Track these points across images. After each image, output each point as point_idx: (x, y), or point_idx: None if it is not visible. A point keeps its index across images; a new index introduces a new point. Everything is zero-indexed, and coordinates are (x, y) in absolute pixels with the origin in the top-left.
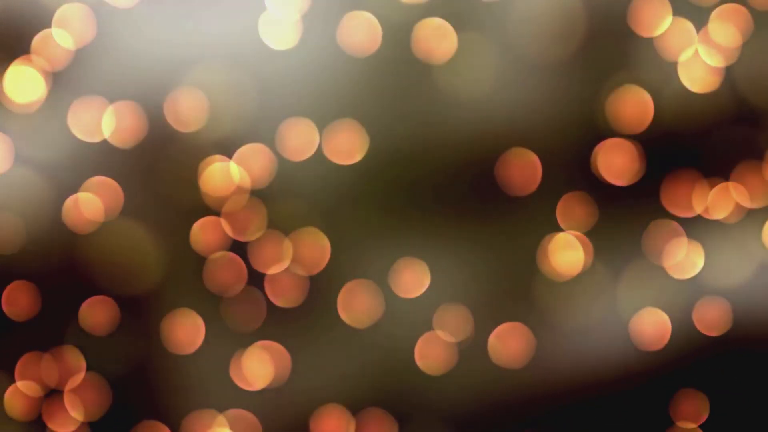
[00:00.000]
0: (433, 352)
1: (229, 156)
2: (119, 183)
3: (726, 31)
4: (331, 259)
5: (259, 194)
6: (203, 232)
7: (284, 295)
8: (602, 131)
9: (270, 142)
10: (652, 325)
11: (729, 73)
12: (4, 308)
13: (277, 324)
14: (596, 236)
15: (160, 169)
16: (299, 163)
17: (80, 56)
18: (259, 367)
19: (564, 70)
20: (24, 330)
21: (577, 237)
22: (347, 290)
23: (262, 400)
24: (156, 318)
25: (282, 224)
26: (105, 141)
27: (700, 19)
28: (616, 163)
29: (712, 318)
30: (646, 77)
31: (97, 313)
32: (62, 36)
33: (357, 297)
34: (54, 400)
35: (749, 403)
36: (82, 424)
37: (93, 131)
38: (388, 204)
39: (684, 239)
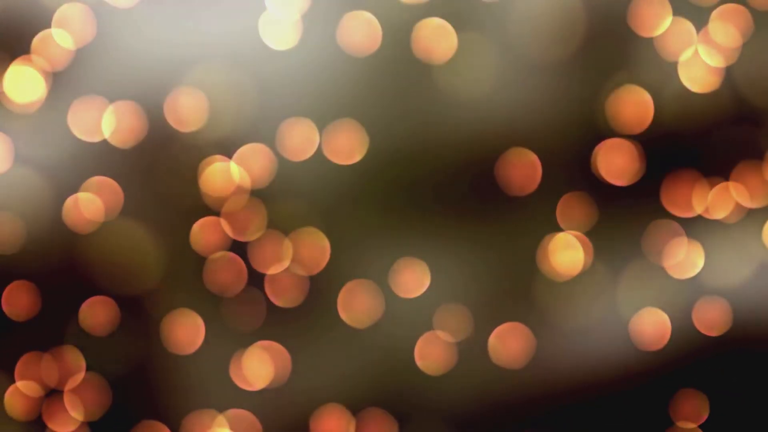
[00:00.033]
0: (433, 352)
1: (229, 156)
2: (119, 183)
3: (726, 31)
4: (331, 259)
5: (259, 194)
6: (203, 232)
7: (284, 295)
8: (602, 131)
9: (270, 142)
10: (652, 325)
11: (729, 73)
12: (4, 308)
13: (277, 324)
14: (596, 236)
15: (160, 169)
16: (299, 163)
17: (80, 56)
18: (259, 367)
19: (564, 70)
20: (24, 330)
21: (577, 237)
22: (347, 290)
23: (262, 400)
24: (156, 318)
25: (282, 224)
26: (105, 141)
27: (700, 19)
28: (616, 163)
29: (712, 318)
30: (646, 77)
31: (97, 313)
32: (62, 36)
33: (357, 297)
34: (54, 400)
35: (749, 403)
36: (82, 424)
37: (93, 131)
38: (388, 204)
39: (684, 239)
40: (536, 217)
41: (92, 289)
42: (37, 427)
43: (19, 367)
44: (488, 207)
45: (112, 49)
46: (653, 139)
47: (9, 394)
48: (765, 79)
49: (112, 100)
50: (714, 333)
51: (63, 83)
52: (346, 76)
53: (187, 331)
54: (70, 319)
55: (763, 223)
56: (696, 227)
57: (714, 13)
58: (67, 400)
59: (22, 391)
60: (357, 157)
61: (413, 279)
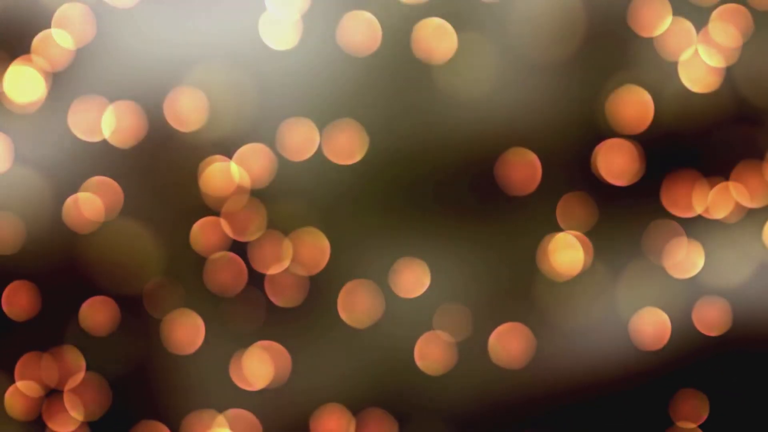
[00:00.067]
0: (433, 352)
1: (229, 156)
2: (119, 183)
3: (726, 31)
4: (331, 259)
5: (259, 194)
6: (203, 232)
7: (284, 295)
8: (602, 131)
9: (270, 142)
10: (652, 325)
11: (729, 73)
12: (4, 308)
13: (277, 324)
14: (596, 236)
15: (160, 169)
16: (299, 163)
17: (80, 56)
18: (259, 367)
19: (564, 70)
20: (24, 330)
21: (577, 237)
22: (347, 290)
23: (262, 400)
24: (156, 318)
25: (282, 224)
26: (105, 141)
27: (700, 19)
28: (616, 163)
29: (712, 318)
30: (646, 77)
31: (97, 313)
32: (62, 36)
33: (357, 297)
34: (54, 400)
35: (749, 403)
36: (82, 424)
37: (93, 131)
38: (388, 204)
39: (684, 239)
40: (536, 217)
41: (92, 289)
42: (37, 427)
43: (19, 367)
44: (488, 207)
45: (112, 49)
46: (653, 139)
47: (9, 394)
48: (765, 79)
49: (112, 100)
50: (714, 333)
51: (63, 83)
52: (346, 76)
53: (187, 331)
54: (70, 319)
55: (763, 223)
56: (696, 227)
57: (714, 13)
58: (67, 400)
59: (22, 391)
60: (357, 157)
61: (413, 279)
